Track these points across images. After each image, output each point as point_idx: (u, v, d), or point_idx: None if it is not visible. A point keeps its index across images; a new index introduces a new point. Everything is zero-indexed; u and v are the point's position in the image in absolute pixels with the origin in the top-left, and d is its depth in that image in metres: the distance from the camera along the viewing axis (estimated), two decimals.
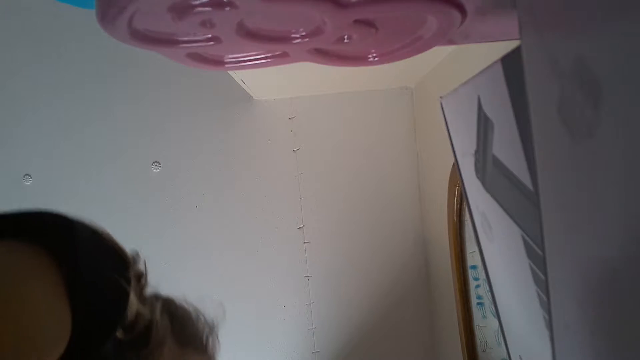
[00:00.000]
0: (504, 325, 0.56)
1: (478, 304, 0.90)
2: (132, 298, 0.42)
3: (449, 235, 0.97)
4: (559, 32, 0.26)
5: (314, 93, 1.29)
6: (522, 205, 0.42)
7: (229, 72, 0.93)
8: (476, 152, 0.49)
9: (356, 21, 0.33)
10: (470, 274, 0.92)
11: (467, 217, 0.90)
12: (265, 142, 1.30)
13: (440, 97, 0.55)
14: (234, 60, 0.41)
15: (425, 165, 1.25)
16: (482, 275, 0.82)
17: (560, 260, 0.30)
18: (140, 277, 0.46)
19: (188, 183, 1.30)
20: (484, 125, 0.46)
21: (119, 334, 0.40)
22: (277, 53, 0.40)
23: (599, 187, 0.24)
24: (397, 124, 1.31)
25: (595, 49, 0.23)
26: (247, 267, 1.29)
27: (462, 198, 0.90)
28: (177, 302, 0.57)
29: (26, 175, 1.29)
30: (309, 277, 1.30)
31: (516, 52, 0.35)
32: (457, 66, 0.93)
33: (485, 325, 0.88)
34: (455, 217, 0.94)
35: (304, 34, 0.36)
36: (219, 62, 0.41)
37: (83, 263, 0.37)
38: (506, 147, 0.42)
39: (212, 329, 0.60)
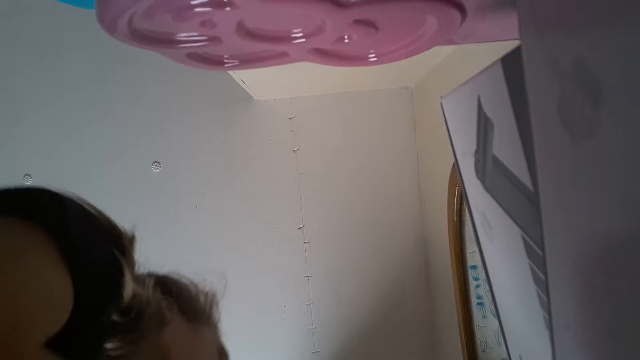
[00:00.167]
0: (504, 325, 0.56)
1: (478, 304, 0.90)
2: (127, 273, 0.42)
3: (449, 235, 0.97)
4: (559, 32, 0.26)
5: (314, 93, 1.29)
6: (522, 205, 0.42)
7: (229, 72, 0.93)
8: (476, 152, 0.49)
9: (356, 21, 0.33)
10: (470, 274, 0.92)
11: (467, 217, 0.90)
12: (265, 142, 1.30)
13: (440, 97, 0.55)
14: (234, 60, 0.41)
15: (425, 165, 1.25)
16: (482, 275, 0.82)
17: (560, 260, 0.30)
18: (132, 251, 0.46)
19: (188, 183, 1.30)
20: (484, 125, 0.46)
21: (115, 316, 0.40)
22: (277, 53, 0.40)
23: (599, 187, 0.24)
24: (397, 124, 1.31)
25: (595, 49, 0.23)
26: (247, 267, 1.29)
27: (462, 198, 0.90)
28: (173, 278, 0.57)
29: (26, 175, 1.29)
30: (309, 277, 1.30)
31: (516, 52, 0.35)
32: (457, 66, 0.93)
33: (485, 325, 0.88)
34: (455, 217, 0.94)
35: (304, 34, 0.36)
36: (219, 62, 0.41)
37: (76, 235, 0.37)
38: (506, 147, 0.42)
39: (214, 299, 0.61)
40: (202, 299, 0.59)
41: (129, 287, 0.41)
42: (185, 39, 0.36)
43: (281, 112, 1.30)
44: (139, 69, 1.29)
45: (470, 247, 0.91)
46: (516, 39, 0.31)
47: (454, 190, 0.94)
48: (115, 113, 1.30)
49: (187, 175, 1.30)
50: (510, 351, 0.56)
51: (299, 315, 1.29)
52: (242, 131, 1.30)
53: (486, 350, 0.88)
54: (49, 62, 1.29)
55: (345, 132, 1.31)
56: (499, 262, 0.53)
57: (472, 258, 0.91)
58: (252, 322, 1.28)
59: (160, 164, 1.29)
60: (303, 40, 0.36)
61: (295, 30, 0.36)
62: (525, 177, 0.40)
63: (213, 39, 0.35)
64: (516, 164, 0.41)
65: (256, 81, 1.10)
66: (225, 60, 0.41)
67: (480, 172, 0.50)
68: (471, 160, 0.51)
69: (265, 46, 0.38)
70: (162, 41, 0.36)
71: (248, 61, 0.41)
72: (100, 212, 0.43)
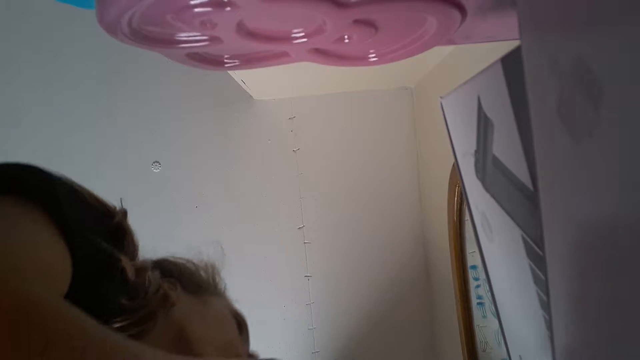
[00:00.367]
0: (504, 325, 0.56)
1: (478, 304, 0.90)
2: (128, 244, 0.43)
3: (449, 235, 0.97)
4: (559, 32, 0.26)
5: (314, 93, 1.29)
6: (522, 205, 0.42)
7: (229, 72, 0.93)
8: (476, 152, 0.49)
9: (356, 21, 0.33)
10: (470, 274, 0.92)
11: (467, 217, 0.90)
12: (265, 142, 1.30)
13: (440, 97, 0.55)
14: (234, 60, 0.41)
15: (425, 165, 1.25)
16: (482, 275, 0.82)
17: (560, 260, 0.30)
18: (128, 225, 0.47)
19: (188, 183, 1.30)
20: (484, 125, 0.46)
21: (122, 298, 0.41)
22: (277, 53, 0.40)
23: (599, 187, 0.24)
24: (397, 124, 1.31)
25: (595, 49, 0.23)
26: (247, 267, 1.29)
27: (462, 198, 0.90)
28: (170, 260, 0.57)
29: None
30: (309, 277, 1.30)
31: (516, 52, 0.35)
32: (457, 66, 0.93)
33: (485, 325, 0.88)
34: (455, 217, 0.94)
35: (304, 34, 0.36)
36: (219, 62, 0.41)
37: (70, 211, 0.38)
38: (506, 147, 0.42)
39: (214, 270, 0.61)
40: (202, 273, 0.60)
41: (128, 264, 0.42)
42: (185, 39, 0.36)
43: (281, 112, 1.30)
44: (139, 69, 1.28)
45: (470, 247, 0.91)
46: (516, 39, 0.31)
47: (454, 190, 0.94)
48: (115, 113, 1.30)
49: (187, 175, 1.30)
50: (510, 351, 0.56)
51: (299, 315, 1.29)
52: (242, 131, 1.30)
53: (486, 350, 0.88)
54: (48, 63, 1.29)
55: (345, 132, 1.31)
56: (499, 262, 0.53)
57: (472, 258, 0.91)
58: (252, 322, 1.28)
59: (160, 164, 1.29)
60: (303, 40, 0.36)
61: (295, 30, 0.36)
62: (525, 177, 0.40)
63: (213, 39, 0.35)
64: (516, 164, 0.41)
65: (256, 81, 1.10)
66: (225, 60, 0.41)
67: (480, 172, 0.50)
68: (471, 160, 0.51)
69: (265, 46, 0.38)
70: (162, 41, 0.36)
71: (248, 61, 0.41)
72: (88, 190, 0.44)
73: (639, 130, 0.20)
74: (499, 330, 0.58)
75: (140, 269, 0.45)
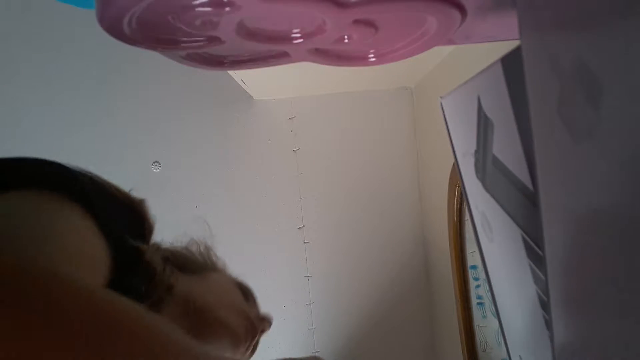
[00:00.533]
0: (504, 325, 0.56)
1: (478, 304, 0.90)
2: (149, 235, 0.45)
3: (449, 235, 0.97)
4: (559, 32, 0.26)
5: (314, 93, 1.29)
6: (522, 205, 0.42)
7: (229, 72, 0.93)
8: (476, 152, 0.49)
9: (356, 21, 0.33)
10: (470, 274, 0.92)
11: (467, 217, 0.90)
12: (265, 142, 1.30)
13: (440, 97, 0.55)
14: (234, 60, 0.41)
15: (425, 165, 1.25)
16: (482, 275, 0.82)
17: (560, 260, 0.30)
18: (144, 217, 0.49)
19: (188, 183, 1.30)
20: (484, 125, 0.46)
21: (143, 289, 0.42)
22: (277, 53, 0.40)
23: (599, 187, 0.24)
24: (397, 124, 1.31)
25: (595, 49, 0.23)
26: (247, 267, 1.28)
27: (462, 198, 0.90)
28: (166, 247, 0.58)
29: None
30: (309, 277, 1.30)
31: (516, 52, 0.35)
32: (457, 66, 0.93)
33: (485, 325, 0.88)
34: (455, 217, 0.94)
35: (304, 34, 0.36)
36: (219, 62, 0.41)
37: (100, 204, 0.38)
38: (506, 147, 0.42)
39: (208, 250, 0.62)
40: (199, 257, 0.60)
41: (150, 256, 0.43)
42: (186, 39, 0.36)
43: (281, 112, 1.30)
44: (139, 69, 1.28)
45: (470, 247, 0.91)
46: (516, 39, 0.31)
47: (454, 190, 0.94)
48: (115, 113, 1.30)
49: (187, 175, 1.30)
50: (510, 351, 0.56)
51: (299, 315, 1.29)
52: (242, 131, 1.30)
53: (486, 350, 0.88)
54: (49, 63, 1.29)
55: (345, 132, 1.31)
56: (499, 262, 0.53)
57: (472, 258, 0.91)
58: None
59: (160, 164, 1.29)
60: (303, 40, 0.36)
61: (295, 30, 0.36)
62: (525, 177, 0.40)
63: (213, 39, 0.35)
64: (516, 164, 0.41)
65: (256, 81, 1.10)
66: (225, 60, 0.41)
67: (480, 172, 0.50)
68: (471, 160, 0.51)
69: (265, 46, 0.38)
70: (162, 41, 0.36)
71: (248, 61, 0.41)
72: (107, 181, 0.45)
73: (638, 130, 0.20)
74: (499, 330, 0.58)
75: (153, 254, 0.46)
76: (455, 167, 0.57)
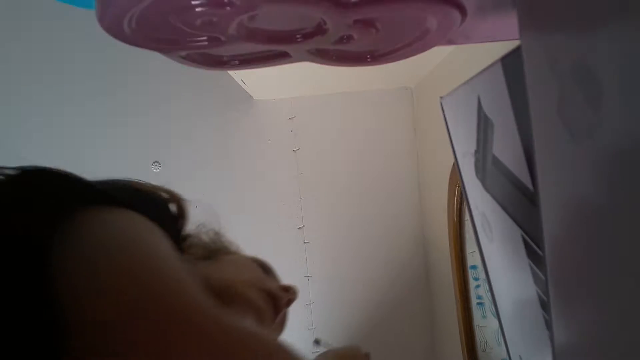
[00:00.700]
0: (504, 325, 0.56)
1: (478, 304, 0.90)
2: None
3: (449, 235, 0.97)
4: (559, 32, 0.26)
5: (314, 93, 1.29)
6: (522, 205, 0.42)
7: (229, 72, 0.93)
8: (476, 152, 0.49)
9: (356, 21, 0.33)
10: (470, 274, 0.92)
11: (467, 217, 0.90)
12: (265, 142, 1.30)
13: (440, 97, 0.55)
14: (233, 60, 0.41)
15: (425, 165, 1.25)
16: (482, 275, 0.82)
17: (560, 260, 0.30)
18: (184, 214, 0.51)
19: (188, 183, 1.29)
20: (484, 125, 0.46)
21: None
22: (277, 53, 0.40)
23: (599, 187, 0.24)
24: (397, 124, 1.31)
25: (595, 49, 0.23)
26: None
27: (462, 198, 0.90)
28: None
29: None
30: (309, 277, 1.30)
31: (516, 52, 0.35)
32: (457, 66, 0.93)
33: (485, 325, 0.88)
34: (455, 217, 0.94)
35: (304, 34, 0.35)
36: (219, 62, 0.41)
37: (159, 217, 0.38)
38: (506, 147, 0.42)
39: (218, 236, 0.63)
40: (210, 243, 0.60)
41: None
42: (186, 39, 0.36)
43: (281, 112, 1.30)
44: (139, 69, 1.28)
45: (470, 247, 0.91)
46: (516, 39, 0.31)
47: (454, 190, 0.94)
48: (115, 113, 1.30)
49: (187, 175, 1.30)
50: (510, 351, 0.56)
51: (299, 315, 1.29)
52: (242, 131, 1.30)
53: (486, 350, 0.88)
54: (48, 63, 1.29)
55: (345, 132, 1.31)
56: (499, 262, 0.53)
57: (472, 258, 0.91)
58: None
59: (160, 164, 1.29)
60: (303, 40, 0.36)
61: (295, 31, 0.36)
62: (525, 177, 0.40)
63: (213, 39, 0.35)
64: (516, 164, 0.41)
65: (256, 81, 1.10)
66: (225, 60, 0.41)
67: (480, 172, 0.50)
68: (471, 160, 0.51)
69: (265, 46, 0.38)
70: (162, 41, 0.36)
71: (248, 61, 0.41)
72: (150, 185, 0.45)
73: (638, 130, 0.20)
74: (499, 330, 0.58)
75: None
76: (455, 167, 0.57)
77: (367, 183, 1.30)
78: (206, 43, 0.36)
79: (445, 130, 0.56)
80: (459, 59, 0.92)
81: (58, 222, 0.30)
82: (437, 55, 0.99)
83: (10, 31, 1.29)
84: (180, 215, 0.49)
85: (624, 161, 0.22)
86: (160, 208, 0.41)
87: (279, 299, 0.57)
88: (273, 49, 0.39)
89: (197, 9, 0.30)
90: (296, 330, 1.29)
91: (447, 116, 0.55)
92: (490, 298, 0.65)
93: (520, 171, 0.40)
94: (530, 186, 0.39)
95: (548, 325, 0.33)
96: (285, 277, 1.37)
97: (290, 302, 0.60)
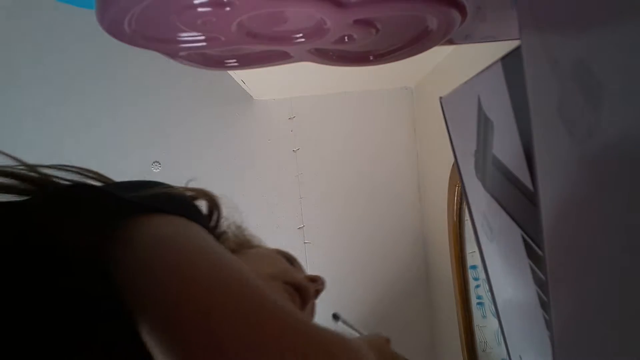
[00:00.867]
0: (504, 325, 0.56)
1: (478, 304, 0.90)
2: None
3: (449, 235, 0.97)
4: (559, 32, 0.26)
5: (314, 93, 1.29)
6: (522, 205, 0.42)
7: (229, 72, 0.93)
8: (476, 152, 0.49)
9: (356, 21, 0.33)
10: (470, 274, 0.92)
11: (467, 217, 0.90)
12: (265, 142, 1.30)
13: (440, 97, 0.55)
14: (233, 60, 0.41)
15: (425, 165, 1.25)
16: (482, 275, 0.82)
17: (560, 260, 0.30)
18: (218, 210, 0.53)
19: (188, 183, 1.29)
20: (484, 125, 0.46)
21: None
22: (277, 53, 0.40)
23: (599, 187, 0.24)
24: (397, 124, 1.31)
25: (595, 49, 0.23)
26: None
27: (462, 198, 0.90)
28: None
29: None
30: None
31: (516, 52, 0.35)
32: (457, 66, 0.93)
33: (485, 325, 0.88)
34: (455, 217, 0.94)
35: (304, 34, 0.36)
36: (219, 62, 0.41)
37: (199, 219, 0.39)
38: (506, 147, 0.42)
39: (240, 230, 0.63)
40: (233, 237, 0.60)
41: None
42: (186, 39, 0.36)
43: (281, 112, 1.30)
44: (139, 69, 1.29)
45: (470, 247, 0.91)
46: (516, 39, 0.31)
47: (454, 190, 0.94)
48: (115, 113, 1.30)
49: (187, 175, 1.29)
50: (510, 351, 0.56)
51: None
52: (242, 131, 1.30)
53: (486, 350, 0.88)
54: (48, 63, 1.29)
55: (345, 132, 1.31)
56: (499, 262, 0.53)
57: (472, 258, 0.91)
58: None
59: (160, 164, 1.29)
60: (303, 40, 0.36)
61: (295, 31, 0.36)
62: (525, 177, 0.40)
63: (213, 39, 0.35)
64: (516, 164, 0.41)
65: (256, 81, 1.10)
66: (225, 60, 0.41)
67: (480, 172, 0.50)
68: (471, 160, 0.51)
69: (266, 46, 0.38)
70: (162, 41, 0.36)
71: (248, 61, 0.41)
72: (180, 188, 0.45)
73: (638, 130, 0.20)
74: (499, 330, 0.58)
75: None
76: (455, 167, 0.57)
77: (367, 183, 1.30)
78: (206, 43, 0.36)
79: (445, 130, 0.56)
80: (459, 59, 0.92)
81: (111, 230, 0.32)
82: (437, 55, 0.98)
83: (10, 31, 1.29)
84: (215, 213, 0.51)
85: (623, 161, 0.22)
86: (196, 209, 0.42)
87: (306, 290, 0.56)
88: (273, 49, 0.39)
89: (197, 9, 0.30)
90: None
91: (447, 116, 0.55)
92: (490, 298, 0.65)
93: (520, 171, 0.41)
94: (530, 186, 0.39)
95: (548, 325, 0.33)
96: None
97: (318, 292, 0.59)
